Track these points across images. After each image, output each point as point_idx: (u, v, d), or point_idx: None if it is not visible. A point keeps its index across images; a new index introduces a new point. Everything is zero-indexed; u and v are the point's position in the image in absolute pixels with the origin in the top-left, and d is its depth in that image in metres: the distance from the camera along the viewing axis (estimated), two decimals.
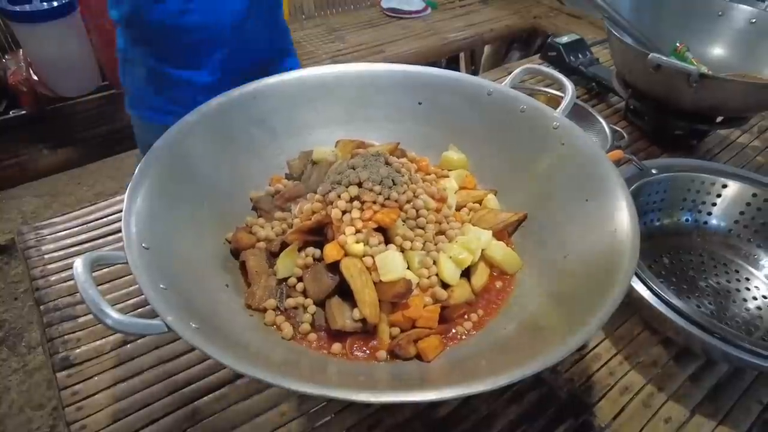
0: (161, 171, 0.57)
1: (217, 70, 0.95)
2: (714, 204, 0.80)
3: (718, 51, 1.08)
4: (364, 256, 0.55)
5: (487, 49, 2.04)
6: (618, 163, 0.79)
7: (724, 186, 0.79)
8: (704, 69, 1.00)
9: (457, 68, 2.06)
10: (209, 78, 0.96)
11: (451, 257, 0.58)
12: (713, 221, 0.80)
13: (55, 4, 1.20)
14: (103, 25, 1.27)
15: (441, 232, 0.62)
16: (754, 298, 0.73)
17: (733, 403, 0.62)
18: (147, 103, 1.01)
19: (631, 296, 0.62)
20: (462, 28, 1.83)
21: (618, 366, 0.65)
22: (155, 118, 0.99)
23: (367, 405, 0.59)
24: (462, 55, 2.05)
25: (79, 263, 0.44)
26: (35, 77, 1.30)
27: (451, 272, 0.57)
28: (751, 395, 0.63)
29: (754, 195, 0.77)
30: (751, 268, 0.76)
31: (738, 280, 0.75)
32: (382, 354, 0.52)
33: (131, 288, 0.70)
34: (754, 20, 1.04)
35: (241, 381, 0.60)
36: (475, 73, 1.99)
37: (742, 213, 0.78)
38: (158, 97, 0.98)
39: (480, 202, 0.69)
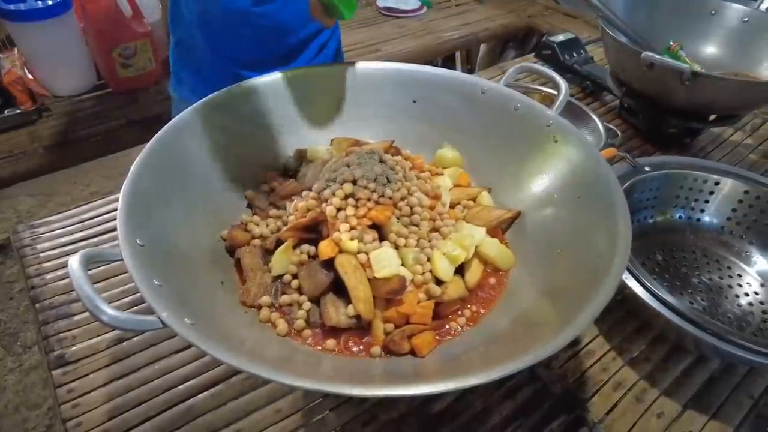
0: (157, 169, 0.57)
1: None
2: (707, 201, 0.80)
3: (711, 49, 1.09)
4: (358, 252, 0.56)
5: (482, 48, 2.04)
6: (611, 160, 0.79)
7: (717, 183, 0.79)
8: (697, 67, 1.00)
9: (452, 67, 2.06)
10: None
11: (445, 254, 0.58)
12: (706, 218, 0.81)
13: (50, 2, 1.19)
14: (98, 24, 1.27)
15: (435, 229, 0.62)
16: (746, 294, 0.73)
17: (724, 398, 0.63)
18: (194, 89, 1.02)
19: (624, 293, 0.63)
20: (457, 27, 1.83)
21: (611, 362, 0.66)
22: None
23: (362, 401, 0.59)
24: (458, 54, 2.05)
25: (74, 260, 0.44)
26: (30, 76, 1.30)
27: (445, 269, 0.57)
28: (742, 390, 0.64)
29: (746, 192, 0.78)
30: (743, 265, 0.77)
31: (730, 277, 0.76)
32: (377, 350, 0.53)
33: (127, 286, 0.70)
34: (746, 19, 1.04)
35: (236, 378, 0.61)
36: (470, 72, 1.99)
37: (734, 210, 0.79)
38: (205, 86, 1.01)
39: (474, 199, 0.69)
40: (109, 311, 0.41)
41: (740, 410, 0.62)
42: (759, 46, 1.02)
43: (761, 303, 0.72)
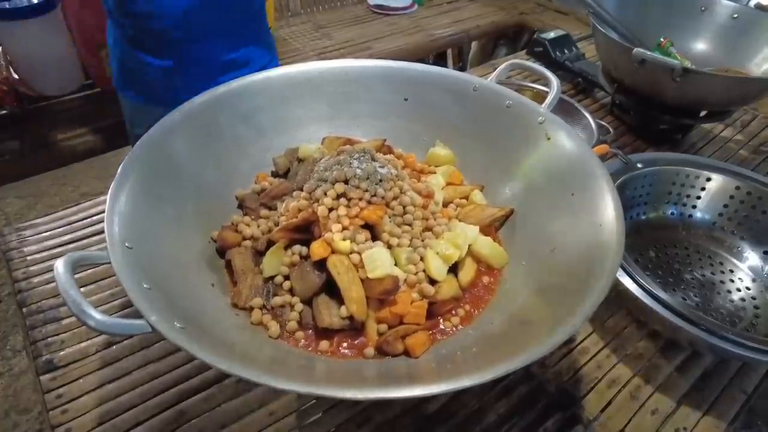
0: (145, 169, 0.56)
1: (173, 55, 0.98)
2: (698, 197, 0.81)
3: (701, 46, 1.09)
4: (350, 253, 0.55)
5: (474, 45, 2.04)
6: (604, 157, 0.79)
7: (708, 179, 0.79)
8: (688, 64, 1.01)
9: (444, 65, 2.06)
10: (164, 63, 0.98)
11: (438, 253, 0.57)
12: (698, 214, 0.81)
13: (35, 1, 1.18)
14: (84, 22, 1.25)
15: (428, 229, 0.61)
16: (738, 290, 0.73)
17: (718, 394, 0.63)
18: (123, 82, 1.06)
19: (618, 290, 0.63)
20: (448, 24, 1.83)
21: (605, 359, 0.66)
22: (130, 97, 1.07)
23: (356, 402, 0.58)
24: (449, 51, 2.05)
25: (59, 264, 0.43)
26: (16, 76, 1.28)
27: (438, 268, 0.56)
28: (735, 385, 0.64)
29: (738, 188, 0.78)
30: (734, 260, 0.77)
31: (722, 272, 0.76)
32: (370, 351, 0.52)
33: (117, 289, 0.69)
34: (736, 15, 1.05)
35: (228, 381, 0.60)
36: (462, 69, 1.99)
37: (725, 206, 0.79)
38: (130, 79, 1.04)
39: (467, 197, 0.69)
40: (96, 316, 0.40)
41: (733, 405, 0.62)
42: (749, 42, 1.03)
43: (753, 298, 0.72)
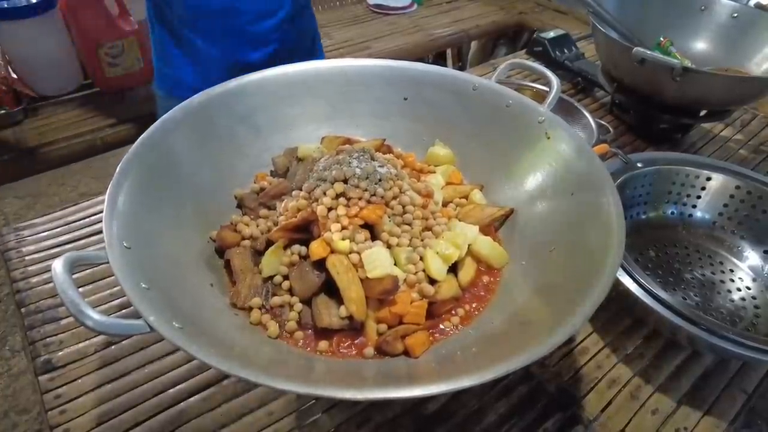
0: (143, 169, 0.56)
1: (269, 48, 1.01)
2: (698, 197, 0.80)
3: (701, 45, 1.09)
4: (350, 252, 0.55)
5: (474, 45, 2.04)
6: (603, 156, 0.79)
7: (708, 179, 0.79)
8: (687, 63, 1.01)
9: (444, 64, 2.06)
10: (256, 56, 1.01)
11: (437, 253, 0.57)
12: (698, 214, 0.81)
13: (34, 0, 1.18)
14: (84, 22, 1.25)
15: (427, 228, 0.61)
16: (738, 290, 0.73)
17: (718, 393, 0.63)
18: (182, 86, 1.03)
19: (618, 289, 0.62)
20: (448, 24, 1.83)
21: (605, 359, 0.66)
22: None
23: (356, 402, 0.58)
24: (449, 51, 2.05)
25: (58, 264, 0.43)
26: (14, 76, 1.27)
27: (437, 268, 0.56)
28: (736, 385, 0.64)
29: (738, 187, 0.78)
30: (735, 260, 0.77)
31: (722, 272, 0.76)
32: (370, 351, 0.52)
33: (115, 288, 0.69)
34: (735, 14, 1.05)
35: (227, 381, 0.60)
36: (462, 69, 1.99)
37: (725, 205, 0.79)
38: (201, 81, 1.03)
39: (466, 197, 0.69)
40: (94, 316, 0.40)
41: (734, 405, 0.62)
42: (748, 41, 1.03)
43: (753, 298, 0.72)
